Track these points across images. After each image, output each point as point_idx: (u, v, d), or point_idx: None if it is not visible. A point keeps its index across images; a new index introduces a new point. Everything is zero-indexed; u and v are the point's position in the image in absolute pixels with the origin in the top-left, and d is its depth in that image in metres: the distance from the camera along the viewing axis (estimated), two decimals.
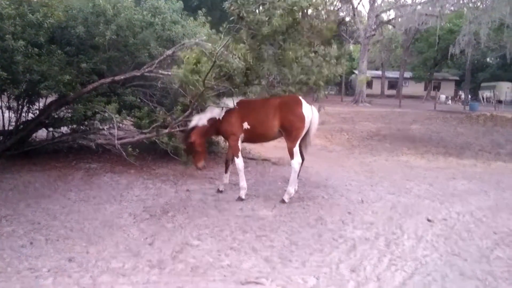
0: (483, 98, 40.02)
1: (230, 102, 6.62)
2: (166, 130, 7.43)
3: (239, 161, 6.55)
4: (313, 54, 6.95)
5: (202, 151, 6.70)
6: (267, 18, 6.07)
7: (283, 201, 6.42)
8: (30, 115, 8.91)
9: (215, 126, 6.76)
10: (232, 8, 6.07)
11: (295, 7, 6.02)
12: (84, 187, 6.85)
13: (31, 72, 6.98)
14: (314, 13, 7.22)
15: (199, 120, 6.69)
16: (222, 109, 6.64)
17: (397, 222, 5.76)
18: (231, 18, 6.23)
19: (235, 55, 6.28)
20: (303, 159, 6.73)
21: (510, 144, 14.97)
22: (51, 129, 8.99)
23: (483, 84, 50.06)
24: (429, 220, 5.87)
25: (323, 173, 8.95)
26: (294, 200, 6.54)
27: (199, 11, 9.84)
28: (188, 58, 6.59)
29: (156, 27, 8.44)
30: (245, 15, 6.02)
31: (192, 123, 6.73)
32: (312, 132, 6.62)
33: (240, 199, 6.49)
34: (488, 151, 13.62)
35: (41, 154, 8.67)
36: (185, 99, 7.38)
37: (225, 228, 5.22)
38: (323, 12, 6.54)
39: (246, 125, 6.52)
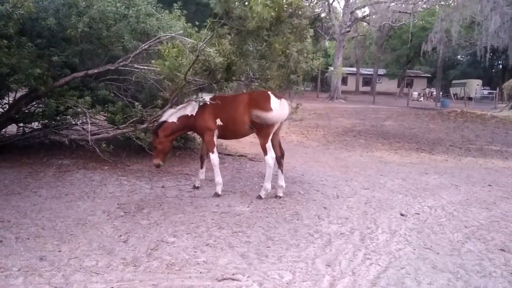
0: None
1: (207, 97, 6.59)
2: (144, 125, 7.31)
3: (214, 157, 6.51)
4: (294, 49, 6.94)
5: (163, 148, 6.61)
6: (251, 13, 5.95)
7: (259, 197, 6.41)
8: None
9: (187, 124, 6.70)
10: (216, 3, 5.94)
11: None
12: (56, 184, 6.68)
13: (0, 65, 6.74)
14: (291, 10, 7.20)
15: (170, 116, 6.64)
16: (197, 104, 6.58)
17: (371, 216, 5.84)
18: (215, 13, 6.10)
19: (217, 51, 6.22)
20: (282, 154, 6.76)
21: (479, 140, 15.41)
22: (21, 124, 8.75)
23: (454, 81, 51.38)
24: (402, 215, 5.97)
25: (299, 168, 9.00)
26: (271, 195, 6.55)
27: (175, 4, 9.71)
28: (169, 52, 6.49)
29: (130, 20, 8.27)
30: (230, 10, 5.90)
31: (163, 118, 6.68)
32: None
33: (216, 195, 6.45)
34: (459, 147, 13.97)
35: (11, 150, 8.42)
36: (164, 94, 7.29)
37: (201, 224, 5.18)
38: (299, 12, 6.49)
39: (219, 122, 6.49)
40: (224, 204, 6.06)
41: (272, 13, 5.75)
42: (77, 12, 7.56)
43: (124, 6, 8.19)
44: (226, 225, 5.18)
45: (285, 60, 6.73)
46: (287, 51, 6.54)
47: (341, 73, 34.41)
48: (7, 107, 8.50)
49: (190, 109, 6.64)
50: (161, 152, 6.61)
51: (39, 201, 5.84)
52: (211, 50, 6.24)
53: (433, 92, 46.24)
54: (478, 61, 40.81)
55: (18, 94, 8.63)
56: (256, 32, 6.08)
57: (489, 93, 41.79)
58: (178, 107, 6.72)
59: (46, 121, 8.17)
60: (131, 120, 7.47)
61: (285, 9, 6.08)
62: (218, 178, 6.53)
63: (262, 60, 6.73)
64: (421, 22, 43.69)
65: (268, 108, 6.17)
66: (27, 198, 5.92)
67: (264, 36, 6.19)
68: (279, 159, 6.68)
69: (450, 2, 32.62)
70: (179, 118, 6.64)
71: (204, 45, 6.13)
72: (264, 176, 6.54)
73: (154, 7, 9.18)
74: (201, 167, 6.94)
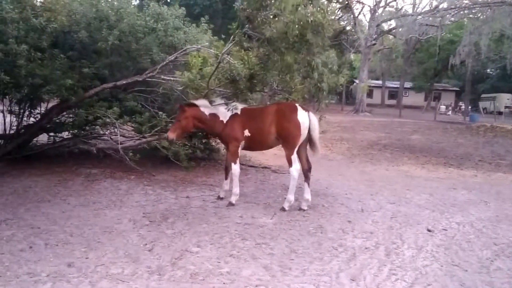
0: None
1: (239, 106, 6.66)
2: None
3: (235, 167, 6.55)
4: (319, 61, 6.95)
5: (185, 126, 6.50)
6: (275, 19, 5.99)
7: (283, 209, 6.40)
8: (32, 119, 8.93)
9: (213, 125, 6.67)
10: (242, 9, 6.03)
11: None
12: (84, 192, 6.84)
13: (34, 76, 7.00)
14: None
15: (203, 106, 6.60)
16: (229, 111, 6.61)
17: (397, 231, 5.74)
18: (240, 22, 6.17)
19: (242, 63, 6.30)
20: (310, 167, 6.74)
21: (510, 155, 14.96)
22: (52, 133, 9.01)
23: (483, 95, 50.24)
24: (429, 230, 5.85)
25: (324, 181, 8.94)
26: (294, 208, 6.53)
27: (202, 18, 9.90)
28: (194, 62, 6.61)
29: (158, 33, 8.48)
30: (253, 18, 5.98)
31: (196, 101, 6.63)
32: (315, 138, 6.58)
33: (230, 204, 6.52)
34: (488, 162, 13.60)
35: (42, 158, 8.67)
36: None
37: (225, 235, 5.20)
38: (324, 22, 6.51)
39: (247, 132, 6.54)
40: (248, 216, 6.07)
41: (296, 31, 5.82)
42: (108, 25, 7.81)
43: (153, 20, 8.42)
44: (249, 237, 5.18)
45: (310, 71, 6.74)
46: (312, 62, 6.56)
47: (366, 89, 34.17)
48: (39, 117, 8.79)
49: (223, 114, 6.66)
50: (180, 128, 6.51)
51: (67, 208, 5.98)
52: (235, 62, 6.32)
53: (461, 106, 45.31)
54: (508, 75, 39.74)
55: (50, 105, 8.90)
56: (281, 40, 6.10)
57: None
58: (212, 104, 6.70)
59: (76, 130, 8.39)
60: (156, 129, 7.61)
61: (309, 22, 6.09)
62: (236, 189, 6.58)
63: (285, 73, 6.77)
64: (449, 35, 43.00)
65: (294, 120, 6.20)
66: (56, 206, 6.07)
67: (282, 49, 6.21)
68: (306, 172, 6.67)
69: (479, 15, 31.98)
70: (210, 115, 6.64)
71: (225, 53, 6.22)
72: (288, 188, 6.53)
73: (182, 21, 9.39)
74: (226, 178, 6.99)
